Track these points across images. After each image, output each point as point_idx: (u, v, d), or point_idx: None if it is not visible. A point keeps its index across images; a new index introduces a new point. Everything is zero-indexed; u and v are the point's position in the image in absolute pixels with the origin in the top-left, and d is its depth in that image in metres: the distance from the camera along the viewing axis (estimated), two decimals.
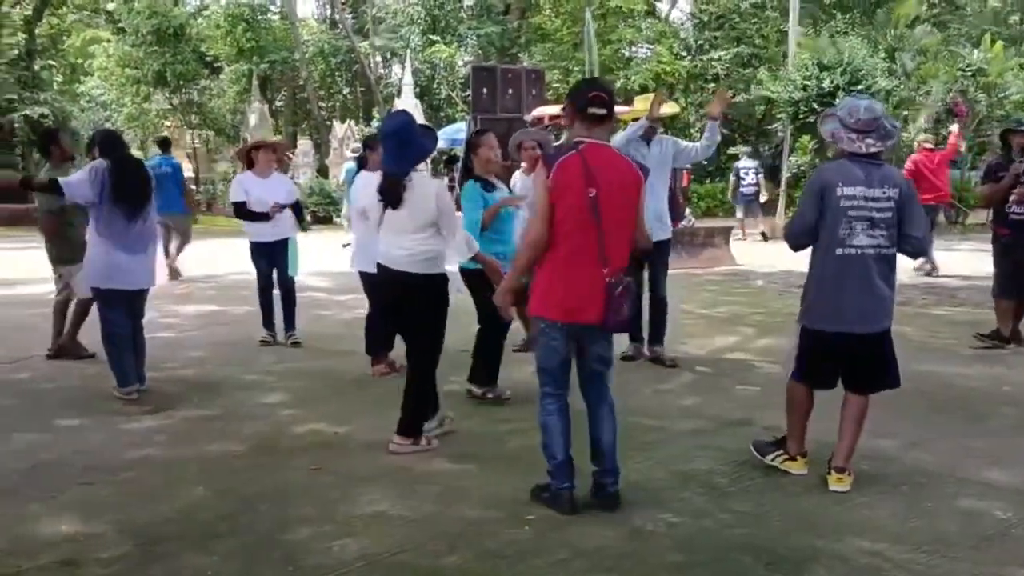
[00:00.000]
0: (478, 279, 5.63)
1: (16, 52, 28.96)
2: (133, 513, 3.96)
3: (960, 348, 7.54)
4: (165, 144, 13.12)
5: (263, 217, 7.41)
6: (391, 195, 4.74)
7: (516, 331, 6.50)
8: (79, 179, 5.73)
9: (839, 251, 4.17)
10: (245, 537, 3.70)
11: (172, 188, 11.71)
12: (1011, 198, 7.23)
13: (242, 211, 7.48)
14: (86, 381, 6.40)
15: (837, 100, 18.27)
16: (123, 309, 5.90)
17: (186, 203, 12.49)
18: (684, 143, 7.14)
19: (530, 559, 3.53)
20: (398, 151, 4.76)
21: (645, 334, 7.00)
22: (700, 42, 31.97)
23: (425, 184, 4.83)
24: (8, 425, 5.30)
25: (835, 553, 3.57)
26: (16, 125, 26.88)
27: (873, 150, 4.19)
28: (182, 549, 3.60)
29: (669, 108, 7.54)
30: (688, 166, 16.85)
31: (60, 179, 5.81)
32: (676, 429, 5.31)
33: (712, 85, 28.81)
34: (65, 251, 6.92)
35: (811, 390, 4.47)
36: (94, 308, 6.28)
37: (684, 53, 31.60)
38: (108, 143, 5.96)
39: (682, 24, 35.57)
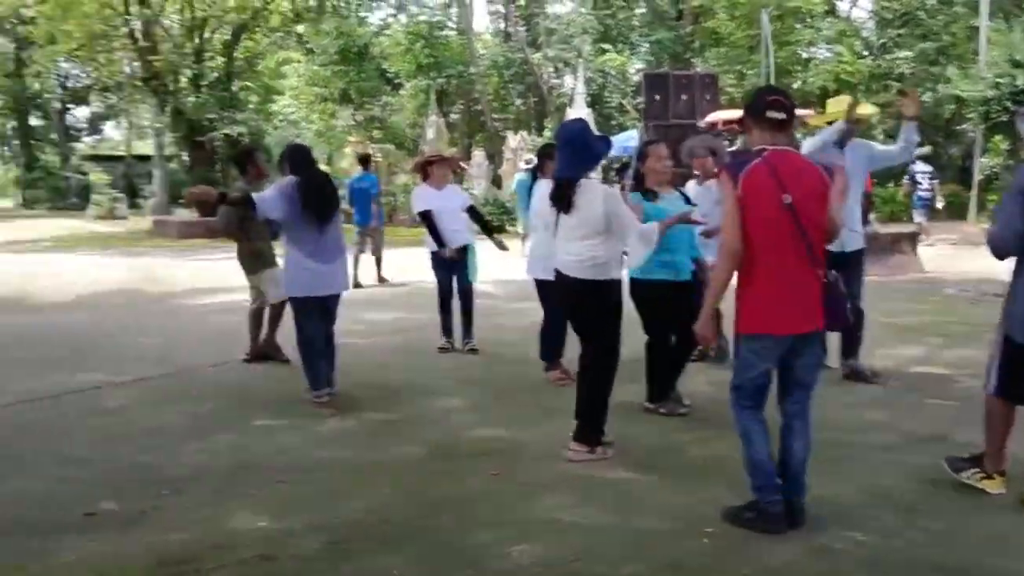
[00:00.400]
0: (644, 289, 5.64)
1: (216, 75, 31.02)
2: (325, 512, 4.16)
3: None
4: (365, 161, 14.15)
5: (439, 242, 7.72)
6: (561, 199, 4.84)
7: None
8: (271, 196, 6.02)
9: None
10: (429, 539, 3.82)
11: (369, 201, 12.95)
12: None
13: (429, 220, 7.75)
14: (280, 384, 6.77)
15: None
16: (317, 316, 6.18)
17: (377, 215, 13.39)
18: (880, 147, 6.84)
19: (710, 573, 3.48)
20: (571, 157, 4.86)
21: (831, 346, 6.70)
22: (883, 40, 30.54)
23: (592, 189, 4.86)
24: (211, 426, 5.68)
25: None
26: (216, 143, 28.74)
27: None
28: (370, 549, 3.76)
29: (864, 109, 7.13)
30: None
31: (254, 195, 6.16)
32: (864, 444, 5.09)
33: (896, 85, 27.44)
34: (252, 261, 7.42)
35: (1012, 405, 4.21)
36: (288, 311, 6.62)
37: (866, 52, 30.27)
38: (298, 159, 6.25)
39: (863, 22, 34.12)
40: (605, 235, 4.81)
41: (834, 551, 3.65)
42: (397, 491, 4.45)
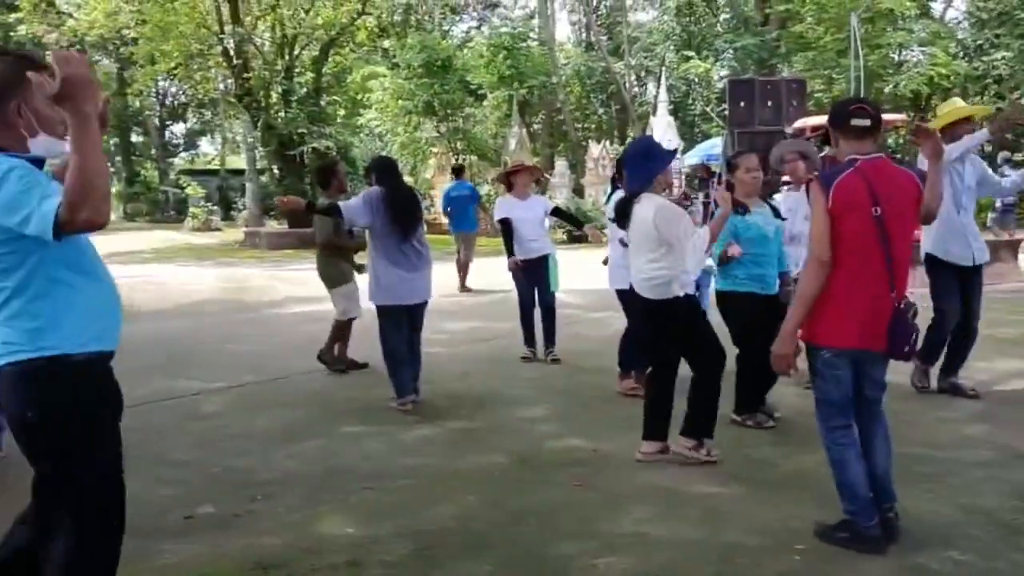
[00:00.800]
0: (732, 302, 5.61)
1: (305, 90, 31.71)
2: (411, 518, 4.20)
3: None
4: (459, 171, 15.24)
5: (510, 251, 7.84)
6: (618, 214, 4.99)
7: None
8: (356, 204, 6.21)
9: None
10: (514, 548, 3.82)
11: (466, 208, 14.22)
12: None
13: (507, 228, 7.84)
14: (367, 392, 6.86)
15: None
16: (402, 323, 6.31)
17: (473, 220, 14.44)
18: (991, 173, 6.55)
19: None
20: (631, 173, 4.96)
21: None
22: (979, 42, 29.55)
23: (646, 204, 4.82)
24: (301, 432, 5.80)
25: None
26: (306, 157, 29.36)
27: None
28: (456, 556, 3.78)
29: (976, 110, 6.90)
30: None
31: (340, 203, 6.31)
32: (962, 460, 4.91)
33: (995, 87, 26.52)
34: (334, 274, 7.57)
35: None
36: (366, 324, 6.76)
37: (961, 54, 29.33)
38: (384, 170, 6.43)
39: (959, 23, 33.07)
40: (665, 251, 4.76)
41: (931, 571, 3.52)
42: (481, 499, 4.47)
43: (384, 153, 32.83)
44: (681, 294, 4.84)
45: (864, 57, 24.12)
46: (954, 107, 6.47)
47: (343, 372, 7.60)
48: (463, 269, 13.72)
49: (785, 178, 6.85)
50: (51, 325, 2.57)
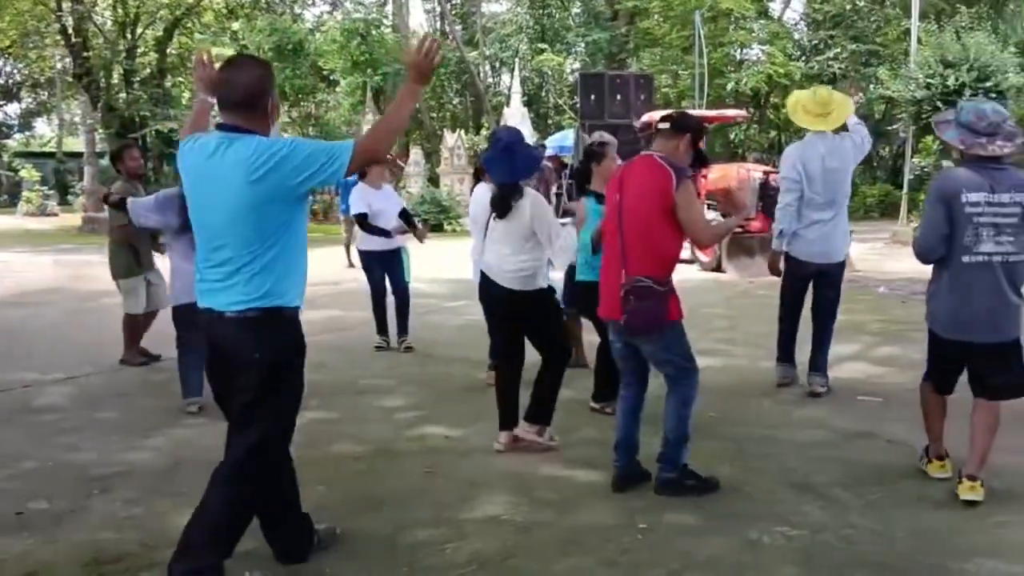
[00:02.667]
0: (590, 292, 5.63)
1: (148, 71, 30.40)
2: None
3: None
4: None
5: (385, 233, 7.63)
6: (502, 205, 4.85)
7: None
8: (146, 204, 5.80)
9: (965, 259, 4.07)
10: (364, 537, 3.79)
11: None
12: None
13: (366, 224, 7.69)
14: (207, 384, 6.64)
15: (964, 98, 17.58)
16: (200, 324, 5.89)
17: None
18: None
19: (643, 568, 3.51)
20: (512, 163, 4.86)
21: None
22: (815, 42, 31.17)
23: (525, 195, 4.86)
24: (141, 424, 5.58)
25: (965, 574, 3.42)
26: (149, 140, 28.20)
27: (1005, 150, 4.06)
28: None
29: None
30: None
31: (129, 200, 5.96)
32: (795, 440, 5.18)
33: (830, 86, 28.01)
34: (118, 265, 7.24)
35: (936, 392, 4.46)
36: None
37: (798, 54, 30.85)
38: None
39: (795, 24, 34.77)
40: (532, 244, 4.82)
41: (763, 545, 3.70)
42: (332, 489, 4.41)
43: None
44: (545, 285, 4.92)
45: (707, 55, 25.09)
46: (846, 104, 6.16)
47: (145, 364, 7.31)
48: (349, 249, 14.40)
49: None
50: (283, 280, 3.19)
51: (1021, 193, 4.01)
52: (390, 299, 7.97)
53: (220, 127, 3.20)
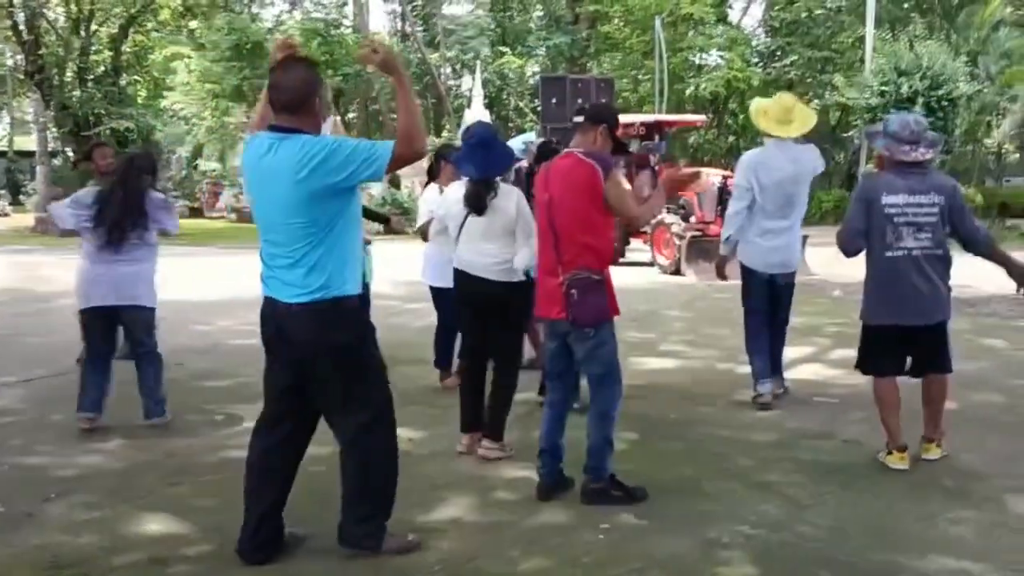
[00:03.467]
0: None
1: (103, 69, 29.97)
2: (219, 514, 4.07)
3: None
4: None
5: None
6: (478, 202, 4.84)
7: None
8: (62, 207, 5.65)
9: (888, 254, 4.52)
10: (326, 540, 3.76)
11: None
12: None
13: None
14: (170, 385, 6.57)
15: (917, 106, 17.92)
16: (101, 329, 5.59)
17: None
18: None
19: (605, 567, 3.54)
20: (487, 159, 4.87)
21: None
22: (773, 48, 31.58)
23: (508, 191, 4.93)
24: (100, 427, 5.50)
25: (917, 570, 3.50)
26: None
27: (926, 156, 4.49)
28: None
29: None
30: None
31: (50, 205, 5.79)
32: (753, 441, 5.26)
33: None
34: None
35: (890, 385, 4.70)
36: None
37: (756, 60, 31.23)
38: (120, 168, 5.72)
39: (754, 31, 35.18)
40: (509, 239, 4.87)
41: (722, 544, 3.76)
42: (295, 492, 4.36)
43: (189, 138, 31.61)
44: (522, 279, 4.92)
45: (667, 59, 25.30)
46: (809, 114, 6.14)
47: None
48: None
49: None
50: (341, 270, 3.39)
51: (940, 195, 4.48)
52: None
53: (272, 128, 3.41)
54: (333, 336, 3.41)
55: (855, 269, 13.16)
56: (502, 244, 4.87)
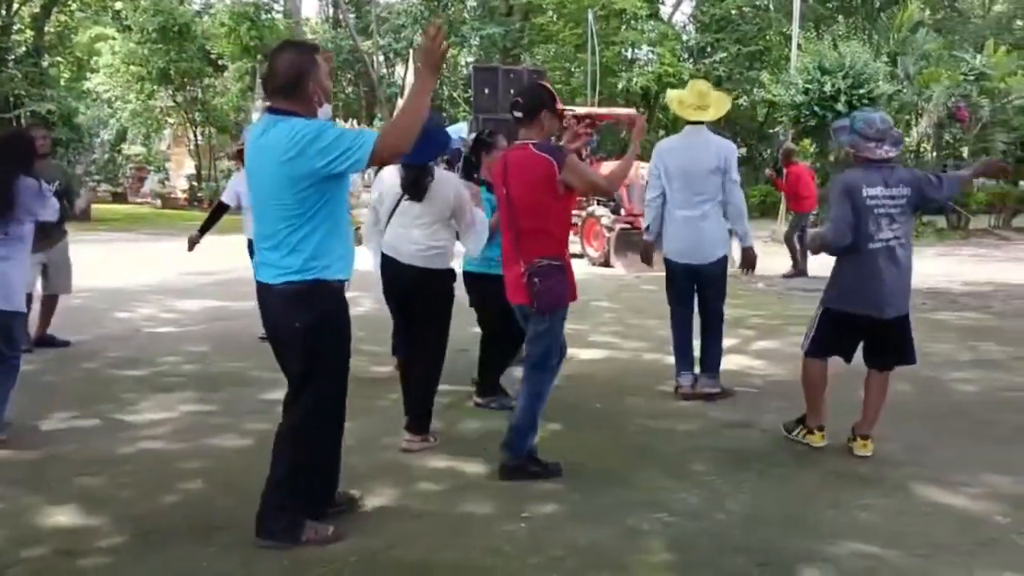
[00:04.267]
0: (482, 283, 5.60)
1: (24, 49, 28.97)
2: (132, 505, 3.99)
3: (960, 353, 7.54)
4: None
5: (208, 226, 7.64)
6: (416, 187, 4.79)
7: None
8: None
9: (871, 245, 4.65)
10: (242, 531, 3.70)
11: None
12: None
13: (217, 212, 7.61)
14: (90, 374, 6.43)
15: (839, 104, 18.32)
16: None
17: None
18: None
19: (525, 556, 3.55)
20: (422, 144, 4.81)
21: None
22: (702, 44, 31.97)
23: (445, 178, 4.90)
24: (11, 417, 5.30)
25: (829, 555, 3.58)
26: (24, 121, 26.92)
27: (891, 154, 4.67)
28: (178, 541, 3.64)
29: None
30: None
31: None
32: (675, 430, 5.32)
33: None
34: None
35: (824, 367, 4.88)
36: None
37: (686, 55, 31.58)
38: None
39: (684, 27, 35.57)
40: (446, 223, 4.86)
41: (642, 532, 3.80)
42: (212, 483, 4.32)
43: (113, 122, 30.74)
44: (453, 267, 4.94)
45: (600, 53, 25.43)
46: (723, 100, 6.25)
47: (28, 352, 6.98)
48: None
49: None
50: (321, 255, 3.42)
51: (907, 187, 4.68)
52: None
53: (268, 110, 3.49)
54: (305, 317, 3.45)
55: (778, 262, 13.42)
56: (433, 231, 4.84)
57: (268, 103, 3.51)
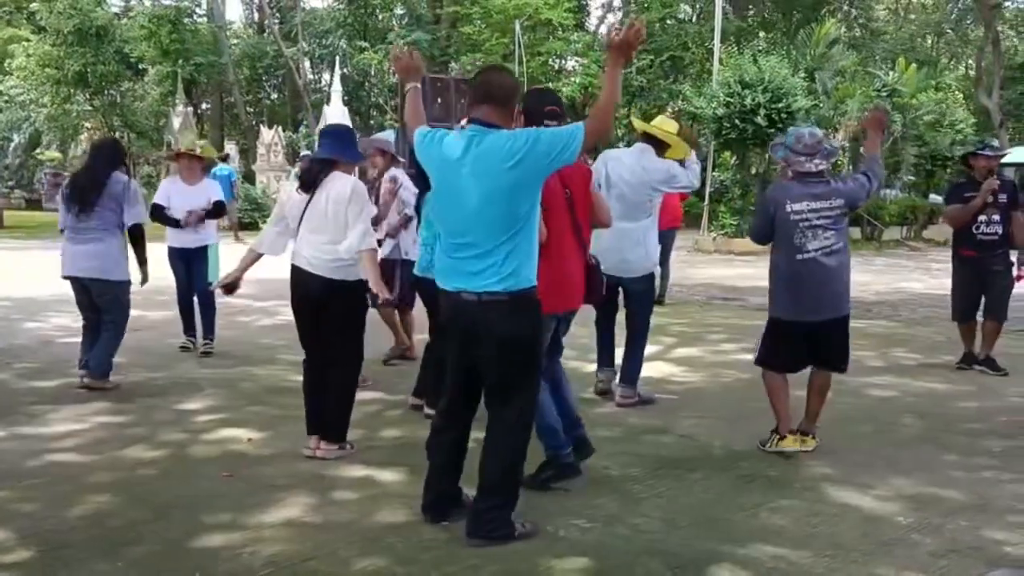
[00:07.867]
0: (430, 288, 5.52)
1: None
2: (38, 520, 3.88)
3: (869, 359, 7.77)
4: (225, 158, 18.54)
5: (176, 223, 7.38)
6: (308, 176, 4.76)
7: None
8: None
9: (799, 256, 4.86)
10: (154, 545, 3.65)
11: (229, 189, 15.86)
12: (981, 217, 7.13)
13: (157, 214, 7.40)
14: None
15: (758, 118, 18.73)
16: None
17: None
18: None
19: (443, 565, 3.55)
20: (333, 144, 4.89)
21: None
22: None
23: (343, 180, 4.76)
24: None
25: (739, 558, 3.66)
26: None
27: (821, 167, 4.89)
28: (88, 556, 3.55)
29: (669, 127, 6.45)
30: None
31: None
32: (594, 436, 5.28)
33: (639, 101, 29.11)
34: None
35: (780, 375, 5.06)
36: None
37: None
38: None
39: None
40: (339, 232, 4.70)
41: (559, 538, 3.83)
42: (122, 496, 4.22)
43: (26, 125, 29.89)
44: (361, 277, 4.80)
45: (526, 63, 25.60)
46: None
47: None
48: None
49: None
50: (528, 261, 3.61)
51: (840, 198, 4.87)
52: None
53: (472, 122, 3.66)
54: (520, 324, 3.63)
55: (700, 271, 13.63)
56: (330, 236, 4.69)
57: (474, 116, 3.67)
